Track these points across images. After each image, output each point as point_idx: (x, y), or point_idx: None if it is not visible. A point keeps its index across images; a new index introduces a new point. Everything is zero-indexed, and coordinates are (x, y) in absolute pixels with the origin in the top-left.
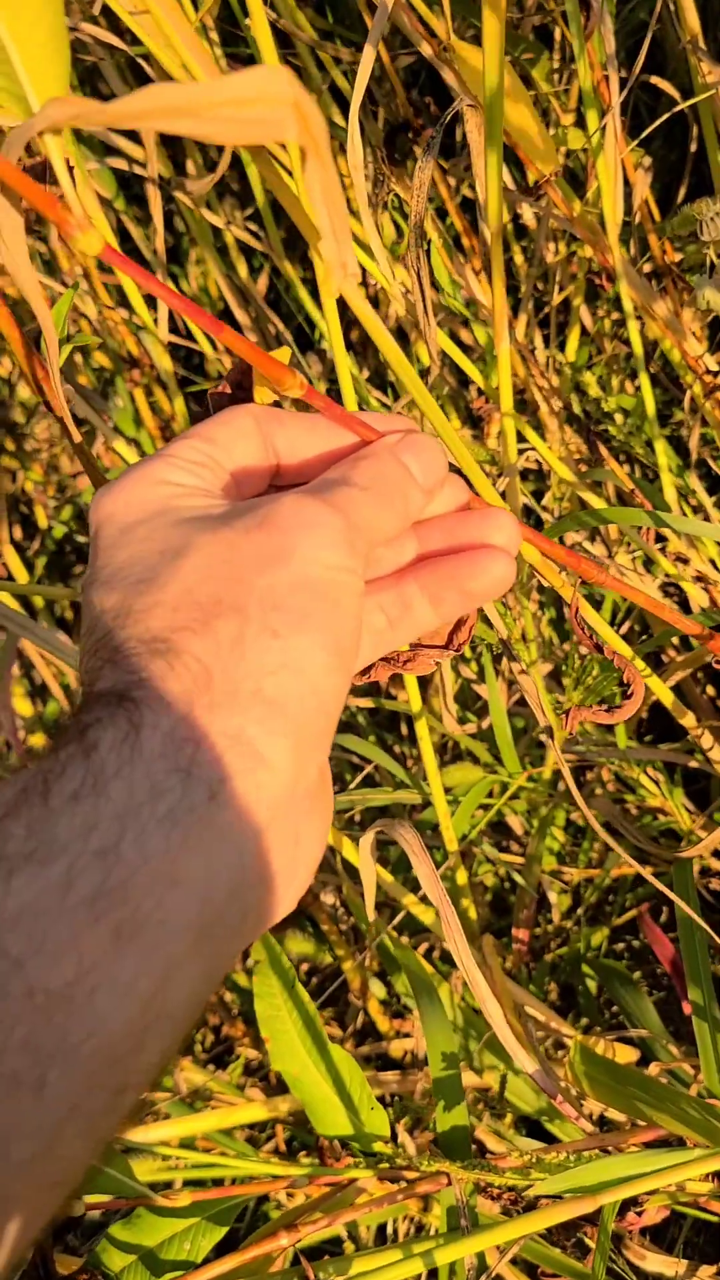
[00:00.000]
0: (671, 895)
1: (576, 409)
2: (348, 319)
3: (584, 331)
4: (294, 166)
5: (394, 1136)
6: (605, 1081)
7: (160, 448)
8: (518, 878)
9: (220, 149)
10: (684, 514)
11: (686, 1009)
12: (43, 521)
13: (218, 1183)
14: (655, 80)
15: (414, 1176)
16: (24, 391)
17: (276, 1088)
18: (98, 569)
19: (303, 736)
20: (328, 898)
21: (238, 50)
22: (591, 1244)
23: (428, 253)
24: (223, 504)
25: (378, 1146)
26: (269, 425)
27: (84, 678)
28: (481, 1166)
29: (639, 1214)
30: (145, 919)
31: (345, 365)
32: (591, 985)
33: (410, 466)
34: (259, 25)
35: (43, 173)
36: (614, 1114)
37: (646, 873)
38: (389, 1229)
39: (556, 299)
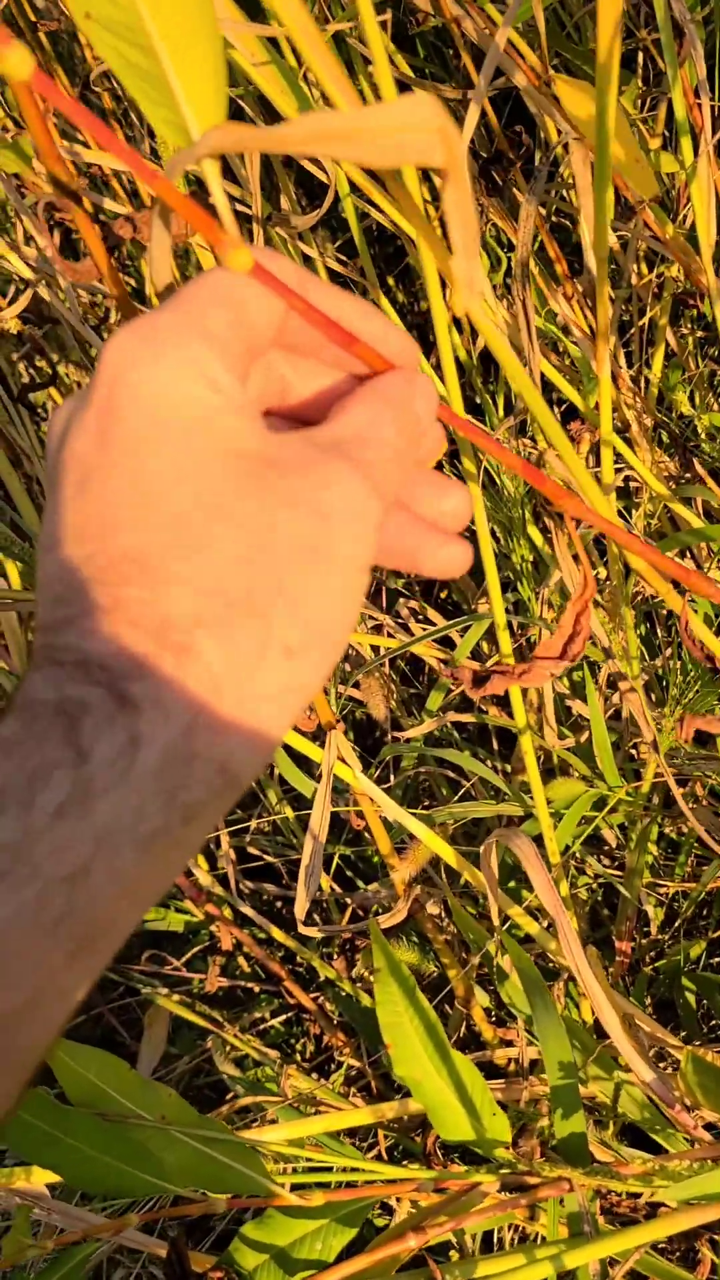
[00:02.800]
0: None
1: (671, 428)
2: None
3: (668, 353)
4: (412, 191)
5: (515, 1143)
6: (718, 1090)
7: (177, 299)
8: (620, 888)
9: (311, 190)
10: None
11: None
12: None
13: (349, 1185)
14: None
15: (535, 1182)
16: None
17: (377, 1096)
18: (114, 462)
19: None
20: (432, 908)
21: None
22: (704, 1254)
23: (531, 283)
24: (259, 437)
25: (498, 1152)
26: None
27: (55, 613)
28: (604, 1173)
29: None
30: (100, 934)
31: (454, 377)
32: (690, 999)
33: (420, 412)
34: (381, 68)
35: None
36: None
37: None
38: (494, 1237)
39: (643, 320)
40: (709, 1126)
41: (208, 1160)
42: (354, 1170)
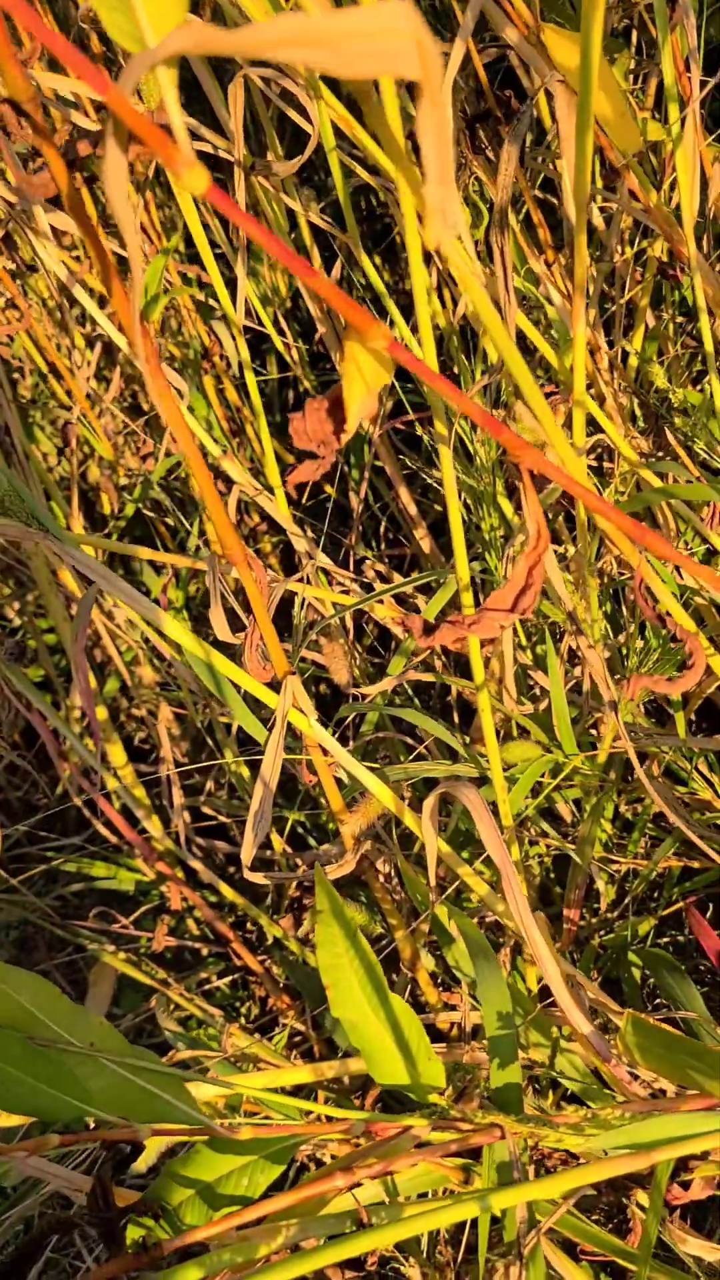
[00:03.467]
0: None
1: (647, 400)
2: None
3: (647, 335)
4: (392, 120)
5: (455, 1096)
6: (658, 1051)
7: None
8: (573, 855)
9: (298, 139)
10: None
11: None
12: (106, 508)
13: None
14: None
15: (468, 1129)
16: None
17: (319, 1060)
18: None
19: None
20: (383, 867)
21: None
22: (636, 1216)
23: (510, 235)
24: None
25: (432, 1098)
26: None
27: None
28: (537, 1120)
29: (685, 1186)
30: None
31: (430, 338)
32: (636, 974)
33: None
34: None
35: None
36: (664, 1086)
37: (707, 850)
38: (430, 1198)
39: (623, 299)
40: (635, 1076)
41: (135, 1089)
42: (291, 1105)
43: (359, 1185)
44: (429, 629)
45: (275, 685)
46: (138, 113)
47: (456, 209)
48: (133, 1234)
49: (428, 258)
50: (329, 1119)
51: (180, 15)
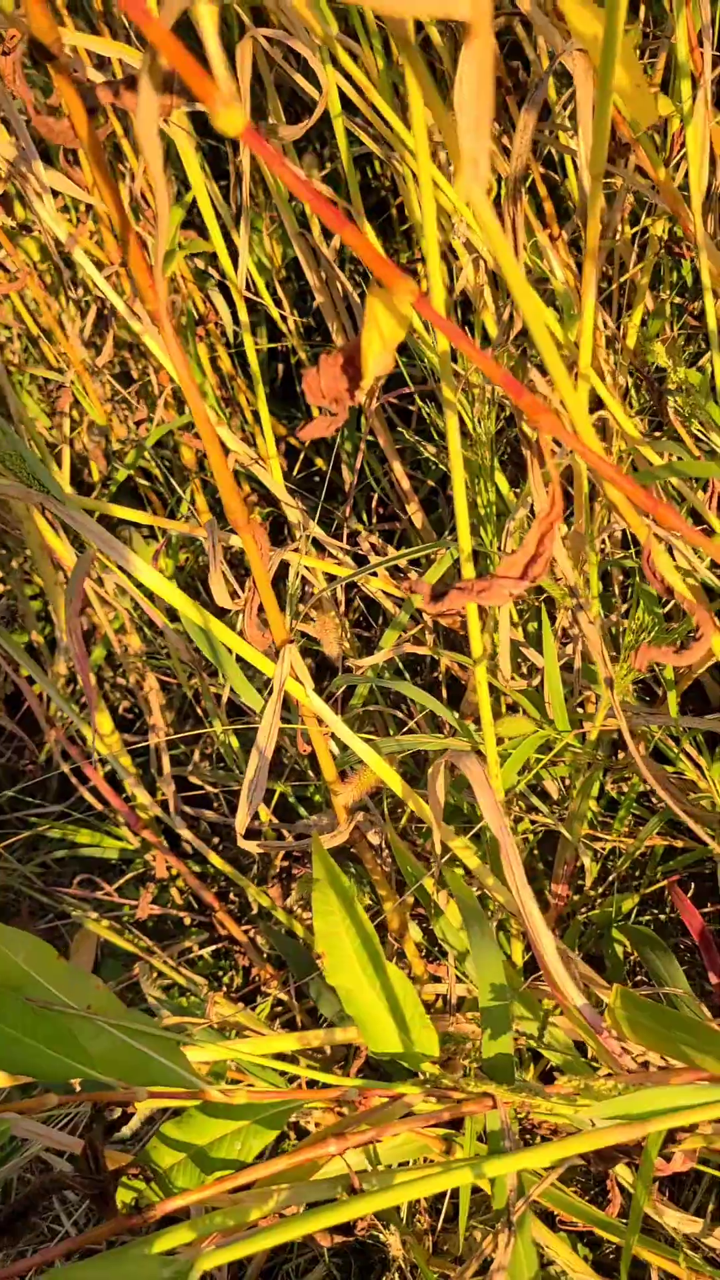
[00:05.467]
0: (713, 845)
1: (648, 377)
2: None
3: (646, 314)
4: (411, 98)
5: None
6: (647, 1025)
7: None
8: (562, 831)
9: (301, 109)
10: None
11: (713, 979)
12: (95, 476)
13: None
14: None
15: (460, 1097)
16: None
17: (302, 1029)
18: None
19: None
20: (373, 839)
21: None
22: (625, 1182)
23: (521, 203)
24: None
25: (425, 1067)
26: None
27: None
28: (528, 1089)
29: (667, 1159)
30: None
31: (436, 261)
32: (619, 950)
33: None
34: None
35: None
36: (651, 1059)
37: (693, 824)
38: (411, 1167)
39: (624, 278)
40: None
41: (132, 1052)
42: (285, 1070)
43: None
44: (437, 595)
45: (271, 654)
46: (179, 45)
47: (486, 162)
48: (123, 1196)
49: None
50: (322, 1085)
51: None
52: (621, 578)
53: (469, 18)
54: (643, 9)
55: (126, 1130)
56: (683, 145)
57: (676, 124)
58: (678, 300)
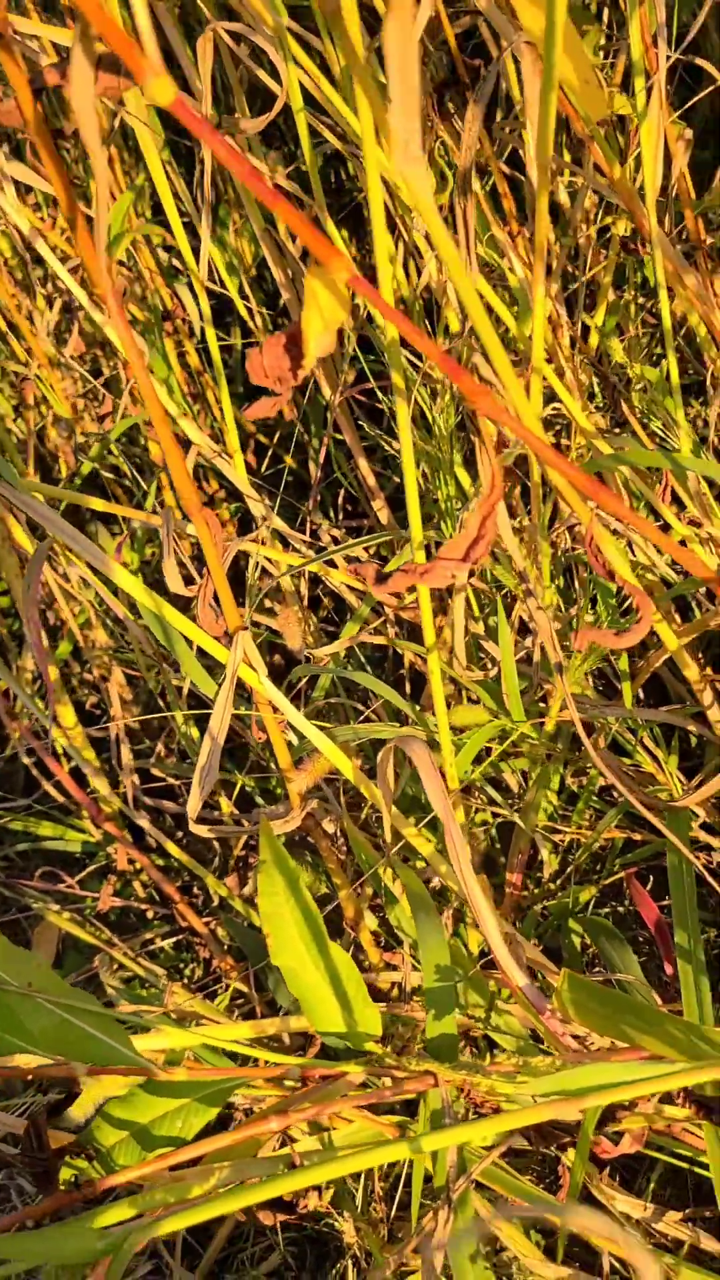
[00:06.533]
0: (668, 834)
1: (606, 374)
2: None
3: (608, 312)
4: (353, 32)
5: (385, 1039)
6: (592, 1007)
7: None
8: (516, 820)
9: (263, 99)
10: (700, 485)
11: (669, 970)
12: (63, 471)
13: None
14: (698, 61)
15: (402, 1075)
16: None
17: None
18: None
19: None
20: (329, 827)
21: None
22: (566, 1172)
23: (473, 197)
24: None
25: (369, 1046)
26: None
27: None
28: (470, 1068)
29: (615, 1141)
30: None
31: (384, 245)
32: (576, 941)
33: None
34: None
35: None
36: (596, 1041)
37: (648, 814)
38: None
39: (586, 276)
40: (577, 1038)
41: (73, 1029)
42: (226, 1044)
43: (291, 1129)
44: (381, 578)
45: (225, 641)
46: (106, 14)
47: (417, 141)
48: (65, 1175)
49: (393, 227)
50: (266, 1064)
51: None
52: (584, 573)
53: None
54: (606, 12)
55: (79, 1115)
56: (639, 144)
57: (635, 121)
58: (642, 299)
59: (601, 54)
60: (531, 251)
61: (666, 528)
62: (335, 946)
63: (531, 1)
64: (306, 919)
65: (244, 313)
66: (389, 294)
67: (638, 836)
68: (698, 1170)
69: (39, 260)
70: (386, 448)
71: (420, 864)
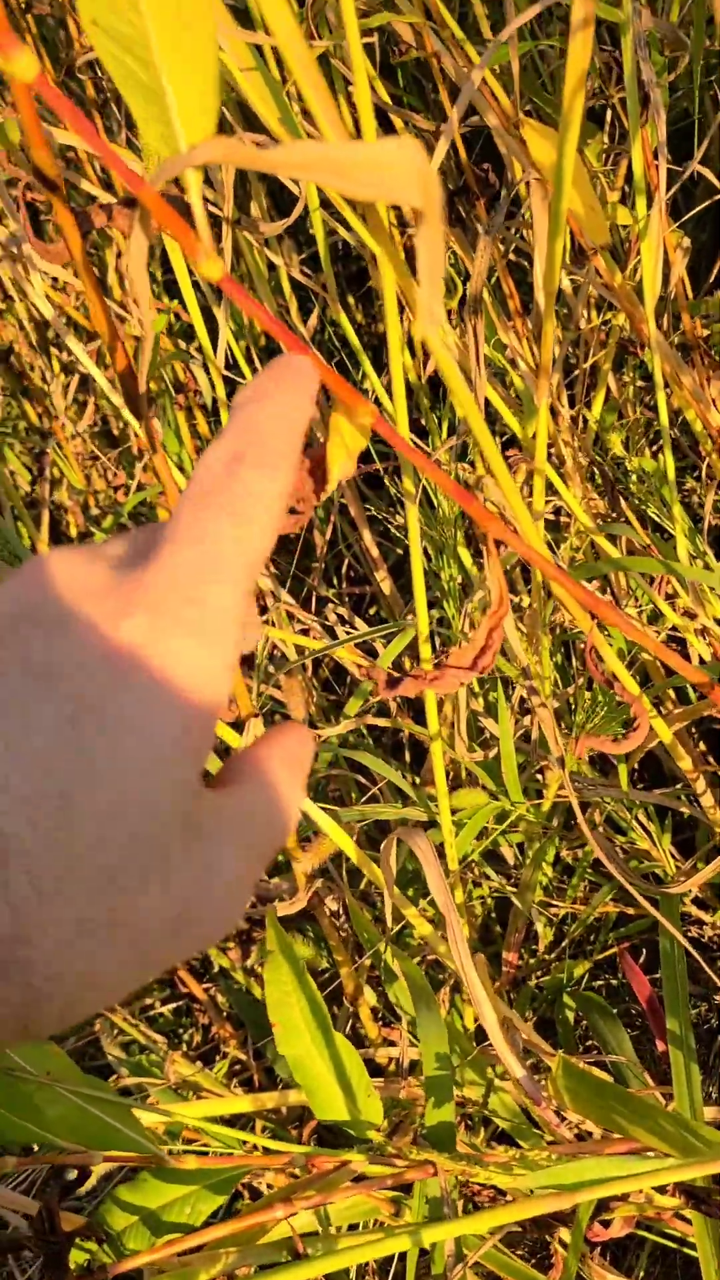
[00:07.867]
0: (659, 918)
1: (604, 468)
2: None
3: (608, 398)
4: (381, 214)
5: (389, 1137)
6: (586, 1096)
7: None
8: (514, 898)
9: (281, 202)
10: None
11: (660, 1046)
12: (73, 530)
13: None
14: (699, 169)
15: (403, 1164)
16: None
17: (258, 1089)
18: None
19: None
20: (331, 904)
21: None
22: (558, 1252)
23: (483, 313)
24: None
25: (370, 1134)
26: None
27: None
28: (468, 1159)
29: (605, 1224)
30: None
31: (402, 398)
32: (569, 1016)
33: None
34: (361, 91)
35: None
36: (590, 1128)
37: (641, 899)
38: (361, 1229)
39: (587, 364)
40: (577, 1136)
41: (89, 1117)
42: (235, 1137)
43: (296, 1215)
44: (392, 682)
45: (238, 725)
46: (169, 209)
47: (440, 309)
48: (76, 1258)
49: (400, 309)
50: (271, 1151)
51: (211, 123)
52: (581, 647)
53: (422, 206)
54: (609, 114)
55: (83, 1189)
56: (640, 252)
57: (637, 229)
58: (641, 384)
59: (604, 158)
60: (535, 347)
61: (657, 618)
62: (340, 1037)
63: (541, 135)
64: (313, 1010)
65: None
66: (405, 428)
67: (631, 910)
68: (686, 1250)
69: (60, 342)
70: (388, 521)
71: (418, 940)
